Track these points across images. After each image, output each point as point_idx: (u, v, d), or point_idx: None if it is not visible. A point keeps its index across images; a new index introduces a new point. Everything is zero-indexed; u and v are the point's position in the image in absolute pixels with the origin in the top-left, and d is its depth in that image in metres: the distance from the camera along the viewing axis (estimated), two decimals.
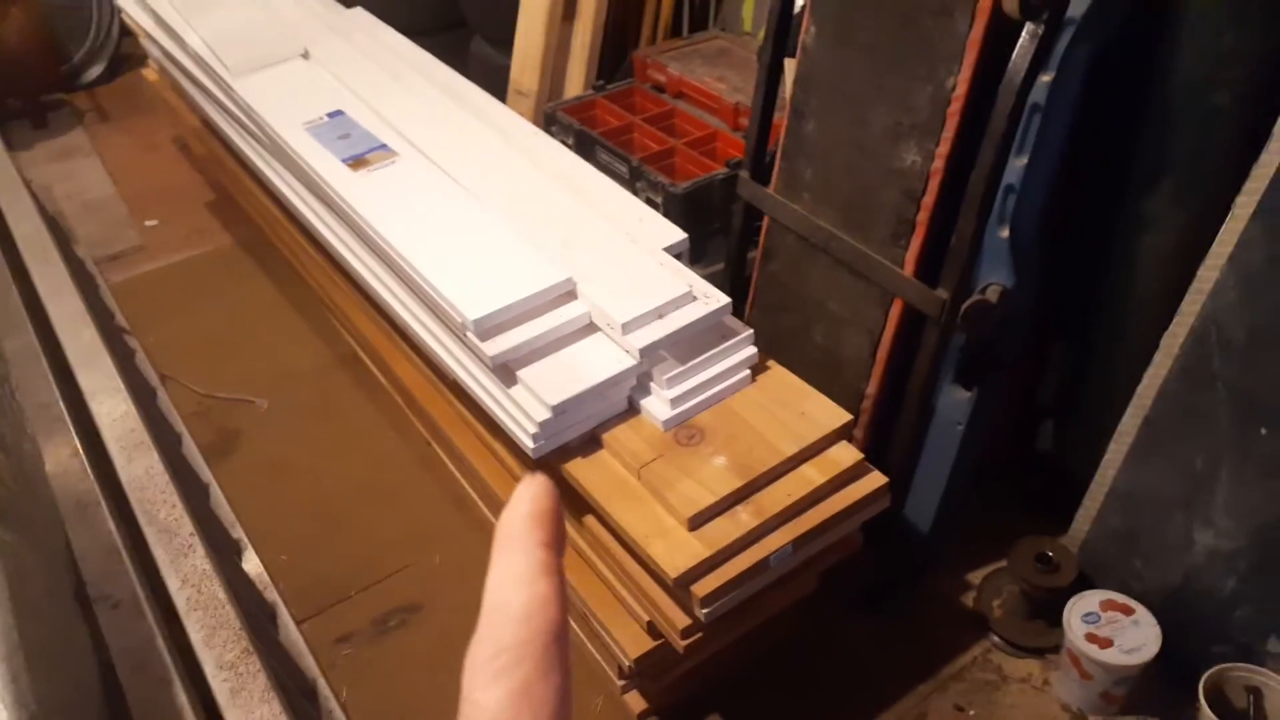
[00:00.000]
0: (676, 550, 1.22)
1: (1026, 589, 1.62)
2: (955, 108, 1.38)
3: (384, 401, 2.14)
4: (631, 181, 2.02)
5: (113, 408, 1.26)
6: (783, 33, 1.65)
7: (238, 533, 1.53)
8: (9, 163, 1.86)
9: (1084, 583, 1.62)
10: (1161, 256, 1.51)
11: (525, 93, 2.60)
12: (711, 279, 1.68)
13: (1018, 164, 1.39)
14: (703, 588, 1.21)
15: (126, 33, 3.55)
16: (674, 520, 1.26)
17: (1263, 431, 1.36)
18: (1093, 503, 1.63)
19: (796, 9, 1.68)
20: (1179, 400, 1.45)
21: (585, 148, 2.14)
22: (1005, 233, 1.43)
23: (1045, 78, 1.33)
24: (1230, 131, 1.38)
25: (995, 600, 1.70)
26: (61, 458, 1.18)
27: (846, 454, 1.36)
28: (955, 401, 1.55)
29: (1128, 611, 1.52)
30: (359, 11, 2.41)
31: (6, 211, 1.74)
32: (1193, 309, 1.40)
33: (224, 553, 1.39)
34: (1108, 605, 1.52)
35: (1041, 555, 1.62)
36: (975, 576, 1.76)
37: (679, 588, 1.22)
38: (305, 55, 2.16)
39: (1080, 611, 1.52)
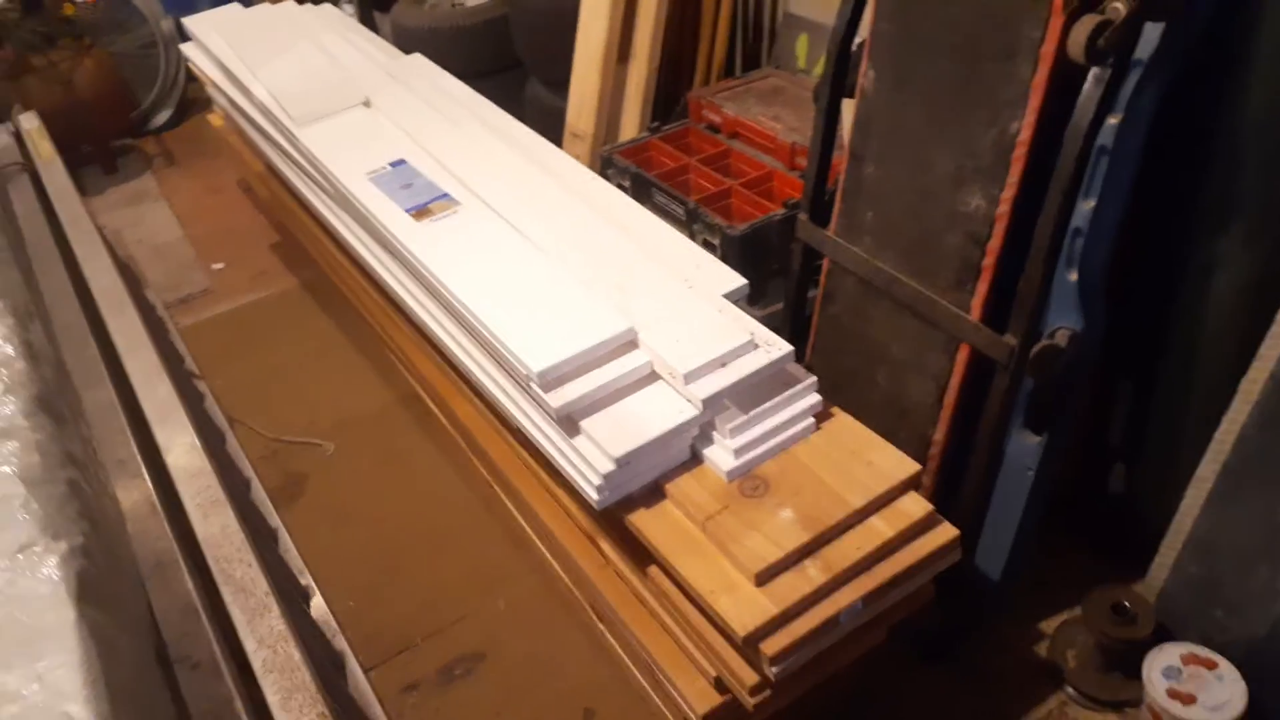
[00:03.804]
0: (745, 607, 1.21)
1: (1103, 640, 1.58)
2: (1020, 152, 1.37)
3: (445, 442, 2.16)
4: (688, 223, 2.02)
5: (189, 463, 1.29)
6: (840, 74, 1.65)
7: (306, 579, 1.55)
8: (86, 217, 1.92)
9: (1162, 634, 1.57)
10: (1231, 297, 1.47)
11: (581, 135, 2.62)
12: (770, 319, 1.67)
13: (1085, 207, 1.36)
14: (772, 645, 1.19)
15: (192, 78, 3.67)
16: (741, 575, 1.25)
17: None
18: (1170, 550, 1.58)
19: (854, 48, 1.67)
20: (1259, 447, 1.41)
21: (641, 190, 2.15)
22: (1074, 276, 1.40)
23: (1113, 119, 1.31)
24: None
25: (1069, 651, 1.65)
26: (140, 515, 1.21)
27: (916, 505, 1.33)
28: (1025, 446, 1.52)
29: (1211, 666, 1.47)
30: (417, 58, 2.46)
31: (84, 264, 1.80)
32: (1272, 354, 1.36)
33: (293, 600, 1.41)
34: (1190, 659, 1.47)
35: (1118, 605, 1.58)
36: (1047, 625, 1.71)
37: (748, 645, 1.21)
38: (367, 104, 2.20)
39: (1160, 665, 1.47)
